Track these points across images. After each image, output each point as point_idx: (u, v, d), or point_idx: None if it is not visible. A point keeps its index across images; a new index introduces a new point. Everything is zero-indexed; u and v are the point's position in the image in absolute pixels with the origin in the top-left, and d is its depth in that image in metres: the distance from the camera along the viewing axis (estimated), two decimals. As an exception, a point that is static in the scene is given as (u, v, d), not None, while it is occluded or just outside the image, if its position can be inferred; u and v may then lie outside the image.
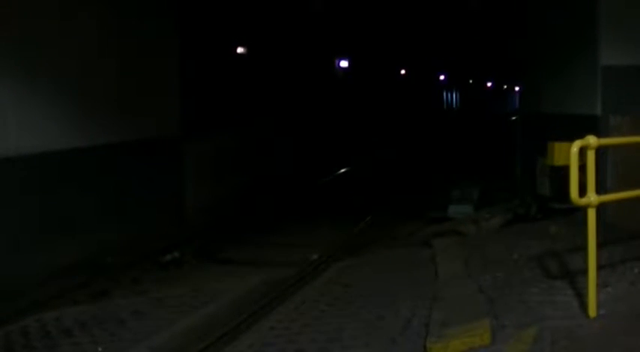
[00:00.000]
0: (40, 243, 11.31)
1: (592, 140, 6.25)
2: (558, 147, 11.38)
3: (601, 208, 6.62)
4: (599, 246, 6.62)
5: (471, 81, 71.66)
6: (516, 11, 17.06)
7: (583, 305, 6.70)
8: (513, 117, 32.68)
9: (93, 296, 10.48)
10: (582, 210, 6.75)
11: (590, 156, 6.30)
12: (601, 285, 7.06)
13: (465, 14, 39.57)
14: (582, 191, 6.21)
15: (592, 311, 6.45)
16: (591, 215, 6.32)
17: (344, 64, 34.76)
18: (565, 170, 6.62)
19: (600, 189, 6.55)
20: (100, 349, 7.83)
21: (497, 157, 22.99)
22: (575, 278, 7.74)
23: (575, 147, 6.17)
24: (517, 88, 24.72)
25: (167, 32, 15.80)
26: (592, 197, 6.25)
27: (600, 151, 6.80)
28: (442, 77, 60.17)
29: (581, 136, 6.31)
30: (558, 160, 11.37)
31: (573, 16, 12.61)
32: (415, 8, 36.53)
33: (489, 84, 79.55)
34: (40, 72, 11.59)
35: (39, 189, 11.45)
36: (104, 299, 10.26)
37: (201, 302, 9.35)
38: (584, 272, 6.60)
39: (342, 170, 26.30)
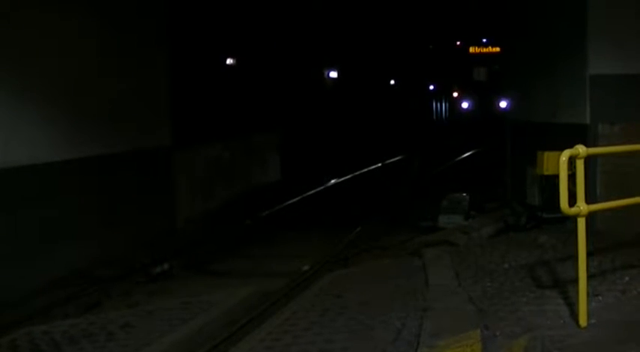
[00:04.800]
0: (30, 255, 11.26)
1: (581, 149, 6.26)
2: (547, 156, 11.39)
3: (591, 217, 6.63)
4: (590, 254, 6.63)
5: None
6: (505, 20, 17.11)
7: (574, 315, 6.69)
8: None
9: (83, 309, 10.44)
10: (572, 219, 6.75)
11: (580, 166, 6.31)
12: (592, 294, 7.07)
13: (454, 25, 39.96)
14: (572, 200, 6.21)
15: (583, 320, 6.44)
16: (581, 224, 6.32)
17: (333, 74, 34.88)
18: (555, 179, 6.63)
19: (590, 198, 6.56)
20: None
21: (487, 166, 23.03)
22: (565, 287, 7.74)
23: (565, 156, 6.18)
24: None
25: (157, 42, 15.79)
26: (582, 206, 6.25)
27: (589, 160, 6.81)
28: (431, 87, 60.29)
29: (570, 145, 6.32)
30: (548, 169, 11.38)
31: (561, 24, 12.65)
32: (403, 19, 36.84)
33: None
34: (31, 83, 11.56)
35: (28, 200, 11.40)
36: (94, 312, 10.20)
37: (191, 314, 9.30)
38: (575, 281, 6.60)
39: (333, 181, 26.30)
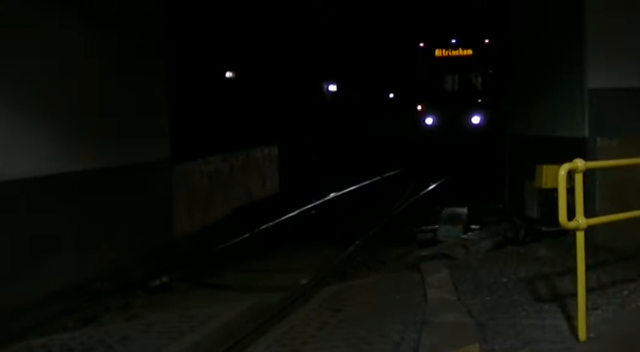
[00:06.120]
0: (29, 269, 11.24)
1: (580, 163, 6.27)
2: (546, 169, 11.41)
3: (590, 230, 6.63)
4: (589, 268, 6.62)
5: None
6: (502, 33, 17.14)
7: (573, 329, 6.69)
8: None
9: (82, 322, 10.42)
10: (571, 233, 6.75)
11: (578, 179, 6.32)
12: (591, 308, 7.06)
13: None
14: (571, 214, 6.21)
15: (582, 334, 6.44)
16: (580, 238, 6.32)
17: (332, 88, 34.98)
18: (553, 193, 6.64)
19: (589, 212, 6.56)
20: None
21: (485, 179, 23.02)
22: (564, 301, 7.73)
23: (563, 170, 6.19)
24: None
25: (156, 57, 15.81)
26: (580, 220, 6.25)
27: (588, 174, 6.82)
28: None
29: (569, 159, 6.32)
30: (546, 183, 11.40)
31: (560, 38, 12.67)
32: (401, 32, 36.78)
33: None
34: (26, 94, 11.56)
35: (25, 214, 11.38)
36: (93, 325, 10.19)
37: (190, 327, 9.26)
38: (574, 295, 6.59)
39: (332, 194, 26.26)
